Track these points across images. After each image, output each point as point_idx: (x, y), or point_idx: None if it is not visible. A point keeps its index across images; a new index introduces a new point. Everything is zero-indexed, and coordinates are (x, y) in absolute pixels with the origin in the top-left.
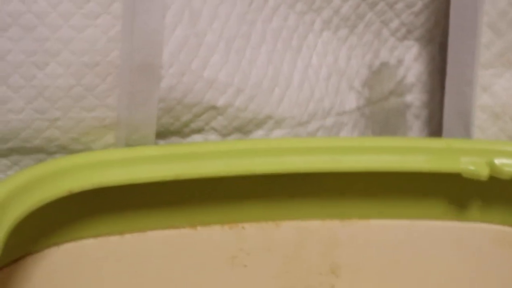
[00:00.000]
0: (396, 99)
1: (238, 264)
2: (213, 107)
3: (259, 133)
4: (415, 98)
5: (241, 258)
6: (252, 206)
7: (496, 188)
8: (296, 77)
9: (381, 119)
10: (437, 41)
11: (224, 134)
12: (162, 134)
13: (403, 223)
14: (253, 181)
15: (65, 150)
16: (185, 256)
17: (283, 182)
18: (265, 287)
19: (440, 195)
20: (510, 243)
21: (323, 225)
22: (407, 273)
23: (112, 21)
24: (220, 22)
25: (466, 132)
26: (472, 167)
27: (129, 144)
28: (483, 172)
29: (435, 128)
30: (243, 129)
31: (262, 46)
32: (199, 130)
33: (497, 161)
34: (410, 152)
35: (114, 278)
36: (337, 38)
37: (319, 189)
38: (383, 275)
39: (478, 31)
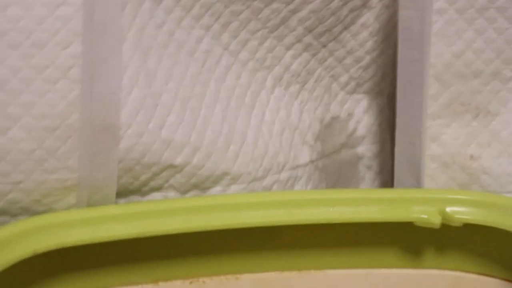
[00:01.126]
0: (347, 151)
1: None
2: (171, 166)
3: (217, 189)
4: (366, 149)
5: None
6: (212, 260)
7: (449, 235)
8: (250, 133)
9: (334, 171)
10: (386, 93)
11: (183, 191)
12: (122, 193)
13: (359, 272)
14: (212, 236)
15: (27, 211)
16: None
17: (241, 236)
18: None
19: (395, 243)
20: None
21: (281, 276)
22: None
23: (71, 85)
24: (175, 82)
25: (417, 181)
26: (424, 216)
27: (90, 204)
28: (435, 221)
29: (386, 178)
30: (201, 186)
31: (216, 104)
32: (158, 188)
33: (449, 209)
34: (363, 203)
35: None
36: (288, 94)
37: (276, 241)
38: None
39: (425, 83)
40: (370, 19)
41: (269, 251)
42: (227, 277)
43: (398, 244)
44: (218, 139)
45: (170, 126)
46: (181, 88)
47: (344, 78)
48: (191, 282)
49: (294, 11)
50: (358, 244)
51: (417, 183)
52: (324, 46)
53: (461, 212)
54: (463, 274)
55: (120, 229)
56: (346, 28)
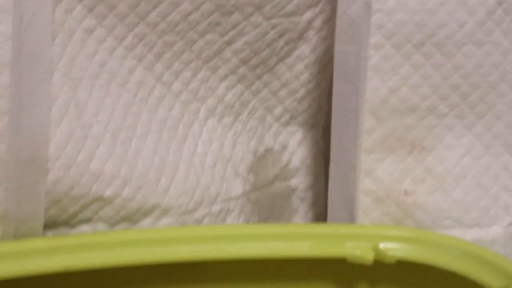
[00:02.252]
0: (281, 184)
1: None
2: (100, 198)
3: (147, 221)
4: (300, 181)
5: None
6: None
7: (382, 272)
8: (182, 165)
9: (267, 203)
10: (320, 125)
11: (112, 223)
12: (50, 226)
13: None
14: (142, 270)
15: None
16: None
17: (172, 270)
18: None
19: (328, 279)
20: None
21: None
22: None
23: None
24: (106, 113)
25: (350, 215)
26: (357, 252)
27: (17, 236)
28: (368, 257)
29: (320, 210)
30: (131, 218)
31: (147, 136)
32: (87, 221)
33: (382, 245)
34: (296, 239)
35: None
36: (222, 126)
37: (208, 276)
38: None
39: (360, 117)
40: (306, 52)
41: (200, 286)
42: None
43: (331, 280)
44: (149, 172)
45: (100, 158)
46: (112, 119)
47: (278, 110)
48: None
49: (228, 43)
50: (291, 279)
51: (351, 218)
52: (259, 78)
53: (394, 249)
54: None
55: (48, 263)
56: (281, 60)
